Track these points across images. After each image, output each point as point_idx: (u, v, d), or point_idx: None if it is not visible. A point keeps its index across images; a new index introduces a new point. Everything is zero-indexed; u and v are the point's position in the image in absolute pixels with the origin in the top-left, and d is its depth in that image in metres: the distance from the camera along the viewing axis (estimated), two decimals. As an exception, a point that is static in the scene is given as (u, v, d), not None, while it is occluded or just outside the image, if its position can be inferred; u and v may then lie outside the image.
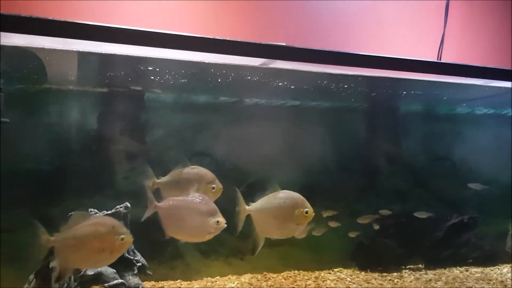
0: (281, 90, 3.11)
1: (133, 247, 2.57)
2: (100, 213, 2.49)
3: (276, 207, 2.31)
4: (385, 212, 3.35)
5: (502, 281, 3.06)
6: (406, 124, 3.74)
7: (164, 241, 3.00)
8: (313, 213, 2.27)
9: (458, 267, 3.39)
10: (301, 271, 3.22)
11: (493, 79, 3.16)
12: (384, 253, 3.33)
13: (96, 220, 2.03)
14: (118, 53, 2.49)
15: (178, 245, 3.06)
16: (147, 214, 2.25)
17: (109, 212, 2.52)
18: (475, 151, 3.66)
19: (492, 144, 3.72)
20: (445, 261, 3.44)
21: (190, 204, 2.22)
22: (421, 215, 3.37)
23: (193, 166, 2.39)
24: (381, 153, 3.62)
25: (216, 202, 2.27)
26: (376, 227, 3.34)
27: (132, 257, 2.50)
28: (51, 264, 2.32)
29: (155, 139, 3.14)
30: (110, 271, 2.34)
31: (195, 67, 2.76)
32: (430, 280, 3.08)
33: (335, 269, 3.28)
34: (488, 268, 3.40)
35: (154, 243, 2.86)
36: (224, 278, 3.06)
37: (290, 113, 3.40)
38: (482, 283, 3.03)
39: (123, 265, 2.44)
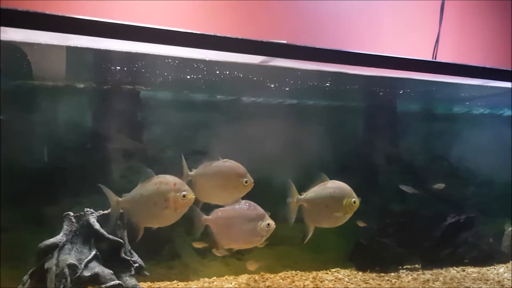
0: (279, 88, 3.08)
1: (129, 248, 2.52)
2: (97, 212, 2.45)
3: (327, 197, 2.44)
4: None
5: (499, 281, 3.06)
6: (403, 124, 3.72)
7: (161, 240, 3.01)
8: (359, 203, 2.40)
9: (455, 267, 3.39)
10: (298, 271, 3.19)
11: (489, 79, 3.16)
12: (381, 253, 3.32)
13: (159, 179, 2.15)
14: (115, 49, 2.44)
15: (176, 245, 3.03)
16: (198, 229, 2.32)
17: (106, 211, 2.47)
18: (473, 151, 3.65)
19: (489, 144, 3.72)
20: (441, 261, 3.43)
21: (239, 212, 2.30)
22: None
23: (224, 160, 2.40)
24: (380, 152, 3.61)
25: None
26: None
27: (129, 258, 2.45)
28: (47, 265, 2.27)
29: (152, 137, 3.10)
30: (107, 272, 2.29)
31: (194, 64, 2.71)
32: (428, 280, 3.07)
33: (332, 270, 3.26)
34: (484, 268, 3.40)
35: (151, 243, 2.83)
36: (222, 278, 3.03)
37: (288, 111, 3.37)
38: (480, 283, 3.02)
39: (120, 266, 2.40)
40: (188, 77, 2.88)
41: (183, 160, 2.36)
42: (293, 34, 3.63)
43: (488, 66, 3.11)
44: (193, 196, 2.14)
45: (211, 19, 3.26)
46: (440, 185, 3.52)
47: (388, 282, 3.03)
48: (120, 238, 2.45)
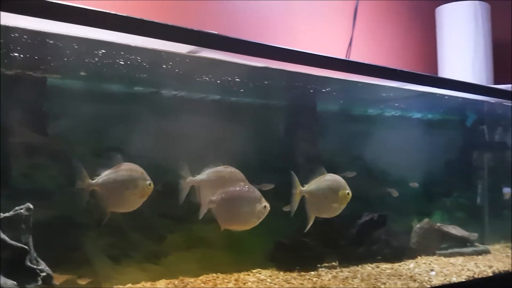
0: (206, 81, 2.93)
1: (35, 255, 2.22)
2: (-4, 215, 2.13)
3: (326, 189, 2.72)
4: None
5: (411, 276, 3.19)
6: (321, 123, 3.76)
7: (70, 247, 2.72)
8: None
9: (369, 264, 3.48)
10: (219, 274, 3.06)
11: (401, 81, 3.31)
12: (301, 252, 3.31)
13: (129, 166, 2.29)
14: (18, 27, 2.11)
15: (86, 251, 2.75)
16: (204, 210, 2.46)
17: (7, 214, 2.16)
18: (384, 151, 3.79)
19: (399, 145, 3.89)
20: (357, 258, 3.51)
21: (241, 194, 2.46)
22: None
23: (225, 166, 2.55)
24: (299, 150, 3.61)
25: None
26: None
27: (35, 267, 2.15)
28: None
29: (58, 131, 2.78)
30: (10, 283, 1.98)
31: (112, 50, 2.45)
32: (347, 278, 3.11)
33: (254, 271, 3.18)
34: (397, 264, 3.53)
35: (59, 249, 2.54)
36: (138, 285, 2.80)
37: (212, 107, 3.24)
38: (394, 279, 3.12)
39: (25, 275, 2.10)
40: (105, 64, 2.62)
41: (185, 166, 2.51)
42: (203, 25, 3.54)
43: (403, 69, 3.26)
44: (152, 187, 2.29)
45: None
46: (414, 184, 3.70)
47: (310, 281, 3.02)
48: (25, 244, 2.15)
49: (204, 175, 2.53)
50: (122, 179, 2.24)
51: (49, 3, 1.82)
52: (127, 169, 2.27)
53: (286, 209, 2.85)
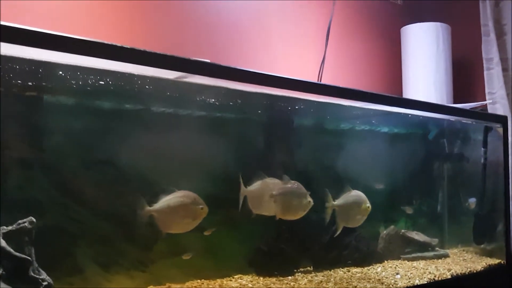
0: (191, 101, 3.13)
1: (37, 265, 2.37)
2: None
3: (352, 202, 3.35)
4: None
5: (379, 279, 3.47)
6: (298, 137, 4.01)
7: (62, 255, 2.86)
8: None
9: (341, 268, 3.74)
10: (203, 280, 3.25)
11: (368, 102, 3.59)
12: (279, 258, 3.53)
13: (182, 193, 2.68)
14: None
15: (77, 259, 2.89)
16: (268, 204, 3.01)
17: (11, 228, 2.30)
18: (355, 161, 4.07)
19: (368, 156, 4.18)
20: (329, 263, 3.77)
21: (293, 189, 3.03)
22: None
23: (270, 178, 3.04)
24: (277, 161, 3.83)
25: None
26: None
27: (37, 276, 2.30)
28: None
29: (53, 145, 2.92)
30: (15, 292, 2.14)
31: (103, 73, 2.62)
32: (321, 281, 3.35)
33: (235, 276, 3.38)
34: (366, 268, 3.81)
35: (51, 258, 2.68)
36: (128, 292, 2.96)
37: (195, 123, 3.42)
38: (364, 282, 3.39)
39: (28, 285, 2.25)
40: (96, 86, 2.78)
41: (239, 178, 2.98)
42: (178, 48, 3.75)
43: (373, 91, 3.54)
44: (207, 209, 2.68)
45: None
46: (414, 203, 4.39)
47: (288, 285, 3.25)
48: (28, 256, 2.30)
49: (253, 186, 3.01)
50: (175, 205, 2.64)
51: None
52: (180, 195, 2.67)
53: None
